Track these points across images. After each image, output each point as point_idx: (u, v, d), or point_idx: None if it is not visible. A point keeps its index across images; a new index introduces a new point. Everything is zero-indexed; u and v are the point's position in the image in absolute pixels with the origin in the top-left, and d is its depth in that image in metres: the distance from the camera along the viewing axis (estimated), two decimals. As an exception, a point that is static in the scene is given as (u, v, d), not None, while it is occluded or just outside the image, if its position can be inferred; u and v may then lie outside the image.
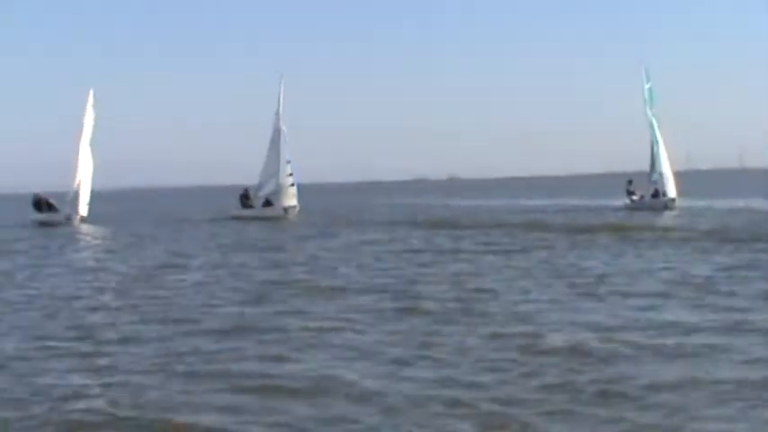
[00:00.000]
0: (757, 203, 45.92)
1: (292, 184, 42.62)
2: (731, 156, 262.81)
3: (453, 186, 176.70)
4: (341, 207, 60.84)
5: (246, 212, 43.33)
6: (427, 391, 8.49)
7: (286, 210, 42.24)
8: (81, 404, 8.36)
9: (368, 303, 14.11)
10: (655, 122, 44.01)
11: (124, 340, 11.50)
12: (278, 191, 42.76)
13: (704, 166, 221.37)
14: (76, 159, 43.07)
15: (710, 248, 22.00)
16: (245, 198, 44.16)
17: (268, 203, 43.15)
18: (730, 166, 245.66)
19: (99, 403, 8.35)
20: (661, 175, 43.09)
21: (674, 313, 12.54)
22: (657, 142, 43.59)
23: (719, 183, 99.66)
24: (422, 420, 7.63)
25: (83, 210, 41.84)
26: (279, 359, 10.11)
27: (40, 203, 42.56)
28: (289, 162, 42.92)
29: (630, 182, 45.76)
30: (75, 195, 41.93)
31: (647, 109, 44.46)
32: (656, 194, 43.50)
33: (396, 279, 17.34)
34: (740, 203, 46.77)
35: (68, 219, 41.10)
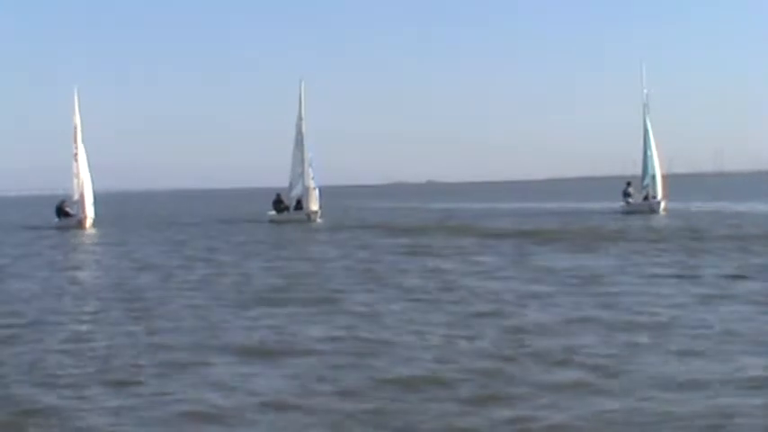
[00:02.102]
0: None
1: (315, 188, 43.81)
2: (707, 159, 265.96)
3: (429, 190, 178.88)
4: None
5: (279, 216, 44.32)
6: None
7: (308, 215, 43.24)
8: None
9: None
10: (650, 127, 44.84)
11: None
12: (305, 194, 44.02)
13: (681, 169, 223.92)
14: (74, 161, 43.80)
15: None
16: (278, 202, 45.02)
17: (299, 205, 44.17)
18: (706, 170, 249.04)
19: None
20: (653, 178, 44.04)
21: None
22: (651, 146, 44.36)
23: (700, 186, 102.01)
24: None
25: (90, 211, 42.78)
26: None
27: (60, 211, 44.51)
28: (310, 165, 44.12)
29: (629, 184, 46.31)
30: (81, 198, 42.89)
31: (645, 113, 45.23)
32: (646, 197, 44.54)
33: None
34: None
35: (80, 223, 42.56)
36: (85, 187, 42.98)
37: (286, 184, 45.42)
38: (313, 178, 43.73)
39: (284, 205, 44.84)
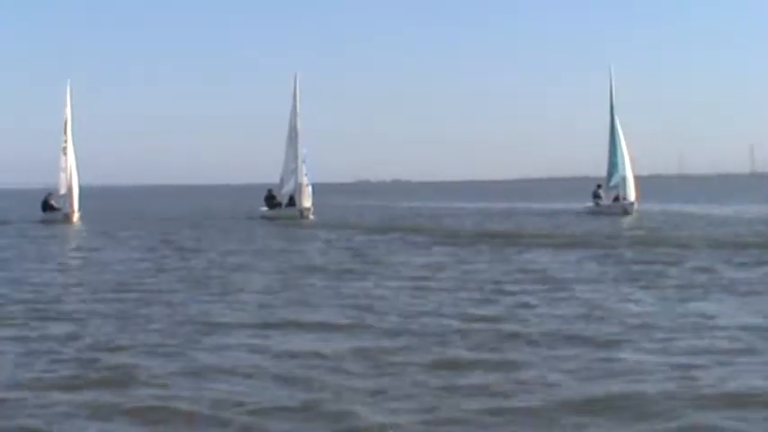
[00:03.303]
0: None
1: (308, 185, 43.25)
2: (672, 162, 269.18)
3: (394, 189, 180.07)
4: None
5: (271, 213, 44.06)
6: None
7: (301, 212, 42.65)
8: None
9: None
10: (619, 128, 44.90)
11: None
12: (297, 190, 43.53)
13: (644, 172, 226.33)
14: (63, 155, 43.95)
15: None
16: (270, 198, 44.96)
17: (292, 202, 43.84)
18: (670, 173, 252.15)
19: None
20: (623, 179, 43.97)
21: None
22: (621, 147, 44.35)
23: (663, 188, 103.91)
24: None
25: (76, 206, 43.02)
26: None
27: (46, 204, 44.78)
28: (304, 161, 43.57)
29: (600, 186, 46.71)
30: (69, 193, 43.13)
31: (614, 115, 45.40)
32: (617, 199, 44.61)
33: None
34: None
35: (67, 217, 42.83)
36: (73, 181, 43.06)
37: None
38: (306, 175, 43.26)
39: (276, 201, 44.60)
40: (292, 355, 10.72)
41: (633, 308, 14.10)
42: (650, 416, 8.02)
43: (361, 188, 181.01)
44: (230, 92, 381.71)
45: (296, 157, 43.85)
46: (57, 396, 8.95)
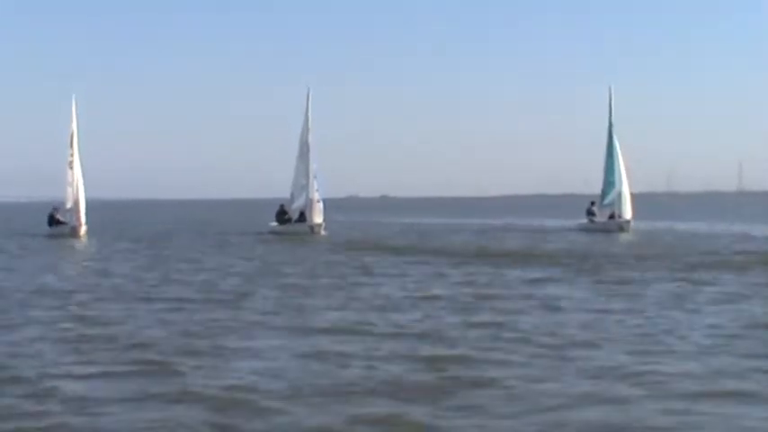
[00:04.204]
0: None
1: (319, 200, 42.46)
2: (660, 179, 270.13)
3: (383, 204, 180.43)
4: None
5: (281, 228, 43.47)
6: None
7: (312, 227, 42.14)
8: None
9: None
10: (618, 145, 45.29)
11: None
12: (308, 205, 42.86)
13: (632, 188, 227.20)
14: (69, 169, 43.92)
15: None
16: (281, 214, 44.38)
17: (302, 218, 43.25)
18: (659, 189, 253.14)
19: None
20: (620, 195, 44.29)
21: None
22: (618, 164, 44.65)
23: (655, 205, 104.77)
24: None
25: (83, 219, 42.91)
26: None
27: (53, 219, 44.67)
28: (315, 177, 42.82)
29: (593, 203, 46.95)
30: (76, 205, 43.06)
31: (613, 134, 45.78)
32: (612, 216, 44.81)
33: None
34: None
35: (74, 231, 42.79)
36: (80, 195, 42.95)
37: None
38: (318, 190, 42.51)
39: (287, 217, 44.05)
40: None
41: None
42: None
43: (354, 204, 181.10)
44: (239, 106, 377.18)
45: (307, 172, 43.26)
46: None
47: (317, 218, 42.43)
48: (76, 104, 45.46)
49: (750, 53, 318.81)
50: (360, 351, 12.10)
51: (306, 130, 44.43)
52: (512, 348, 12.30)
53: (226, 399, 9.57)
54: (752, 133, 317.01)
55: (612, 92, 46.74)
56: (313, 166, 43.34)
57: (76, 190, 43.30)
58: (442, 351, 12.14)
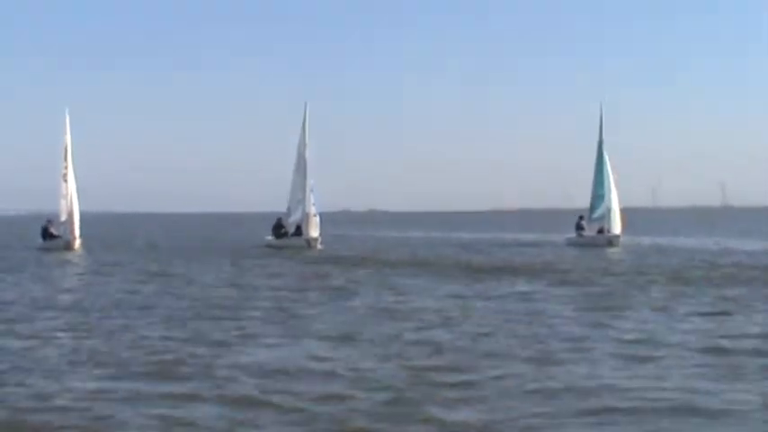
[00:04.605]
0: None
1: (316, 215, 42.57)
2: (644, 194, 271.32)
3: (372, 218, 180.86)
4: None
5: (278, 242, 43.52)
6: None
7: (308, 241, 42.15)
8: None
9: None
10: (608, 161, 45.59)
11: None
12: (305, 220, 42.80)
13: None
14: (63, 182, 43.55)
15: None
16: (278, 228, 44.48)
17: (298, 231, 43.23)
18: (644, 204, 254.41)
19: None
20: (609, 210, 44.64)
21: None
22: (608, 180, 44.97)
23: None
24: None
25: (77, 232, 42.79)
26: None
27: (46, 232, 44.27)
28: (312, 191, 42.76)
29: (582, 217, 47.38)
30: (70, 218, 42.84)
31: (603, 149, 46.03)
32: (601, 231, 45.33)
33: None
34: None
35: (68, 244, 42.56)
36: (74, 208, 42.72)
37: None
38: (314, 204, 42.57)
39: (284, 230, 44.01)
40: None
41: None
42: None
43: (346, 217, 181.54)
44: (236, 118, 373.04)
45: (304, 186, 43.19)
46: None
47: (314, 232, 42.55)
48: (70, 117, 45.26)
49: (733, 74, 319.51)
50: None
51: (303, 144, 44.36)
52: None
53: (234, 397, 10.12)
54: (736, 150, 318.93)
55: (603, 109, 47.19)
56: (309, 181, 43.31)
57: (70, 203, 43.10)
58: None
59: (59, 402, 10.09)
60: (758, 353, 12.93)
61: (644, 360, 12.52)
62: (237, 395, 10.37)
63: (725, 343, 13.79)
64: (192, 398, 10.26)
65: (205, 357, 12.76)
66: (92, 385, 10.96)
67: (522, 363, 12.29)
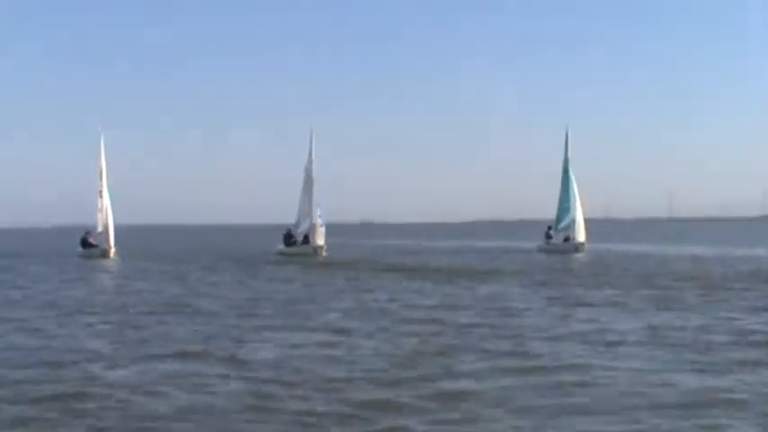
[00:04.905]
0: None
1: (322, 225, 43.11)
2: (598, 207, 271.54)
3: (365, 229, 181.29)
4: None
5: (288, 250, 43.76)
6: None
7: (315, 249, 42.50)
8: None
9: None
10: (573, 177, 46.01)
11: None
12: (312, 230, 43.30)
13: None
14: (99, 197, 44.38)
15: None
16: (288, 237, 44.76)
17: (306, 240, 43.63)
18: (597, 216, 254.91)
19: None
20: (574, 221, 45.20)
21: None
22: (574, 193, 45.51)
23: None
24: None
25: (112, 242, 43.50)
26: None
27: (86, 242, 45.14)
28: (318, 204, 43.39)
29: (550, 227, 47.81)
30: (105, 231, 43.75)
31: (569, 166, 46.21)
32: (567, 239, 45.84)
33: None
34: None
35: (104, 253, 43.23)
36: (109, 220, 43.68)
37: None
38: (320, 216, 43.19)
39: (294, 240, 44.47)
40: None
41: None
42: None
43: (341, 229, 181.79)
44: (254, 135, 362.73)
45: (311, 200, 43.72)
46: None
47: (320, 240, 42.93)
48: (105, 142, 45.96)
49: (678, 86, 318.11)
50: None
51: (309, 163, 44.99)
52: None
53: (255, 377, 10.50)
54: (681, 163, 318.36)
55: (569, 130, 47.46)
56: (316, 196, 43.77)
57: (106, 216, 43.94)
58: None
59: (107, 380, 10.56)
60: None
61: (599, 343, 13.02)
62: (258, 375, 10.80)
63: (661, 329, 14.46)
64: (221, 377, 10.66)
65: (229, 347, 13.11)
66: (133, 367, 11.44)
67: (499, 343, 12.85)
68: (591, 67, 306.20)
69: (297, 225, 44.89)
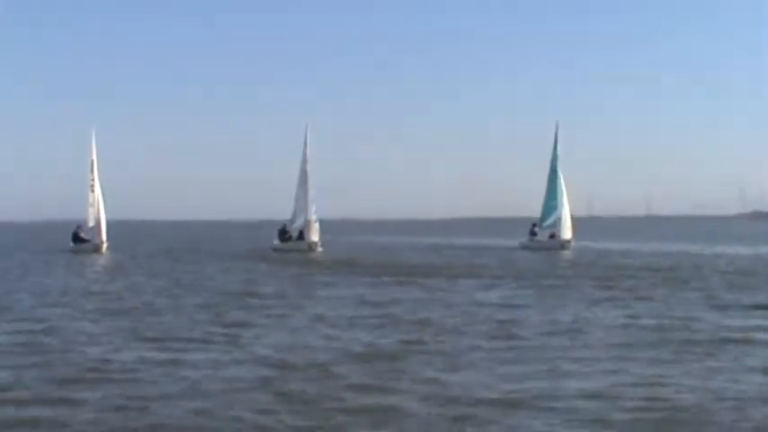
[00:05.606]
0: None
1: (316, 221, 43.00)
2: (581, 205, 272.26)
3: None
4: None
5: (282, 245, 43.54)
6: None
7: (310, 245, 42.37)
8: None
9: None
10: (561, 175, 45.34)
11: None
12: (306, 226, 43.12)
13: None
14: (90, 191, 43.36)
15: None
16: (283, 233, 44.57)
17: (301, 236, 43.41)
18: (581, 214, 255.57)
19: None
20: (559, 219, 44.62)
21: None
22: (561, 191, 44.90)
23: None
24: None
25: (104, 237, 42.85)
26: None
27: (76, 236, 44.35)
28: (313, 201, 43.15)
29: (535, 225, 47.34)
30: (97, 226, 42.96)
31: (558, 165, 45.50)
32: (552, 236, 45.39)
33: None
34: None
35: (96, 247, 42.63)
36: (101, 215, 42.78)
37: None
38: (315, 212, 43.15)
39: (289, 235, 44.31)
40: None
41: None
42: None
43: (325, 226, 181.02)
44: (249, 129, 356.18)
45: (306, 197, 43.63)
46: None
47: (314, 236, 42.95)
48: (96, 135, 44.89)
49: (657, 88, 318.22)
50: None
51: (304, 160, 44.66)
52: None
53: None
54: (658, 163, 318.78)
55: (558, 127, 46.61)
56: (311, 192, 43.63)
57: (97, 210, 43.15)
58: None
59: (111, 365, 11.11)
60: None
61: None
62: (257, 356, 11.53)
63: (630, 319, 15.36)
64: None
65: (227, 334, 13.71)
66: (132, 352, 12.03)
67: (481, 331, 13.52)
68: (583, 67, 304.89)
69: (292, 221, 44.72)
